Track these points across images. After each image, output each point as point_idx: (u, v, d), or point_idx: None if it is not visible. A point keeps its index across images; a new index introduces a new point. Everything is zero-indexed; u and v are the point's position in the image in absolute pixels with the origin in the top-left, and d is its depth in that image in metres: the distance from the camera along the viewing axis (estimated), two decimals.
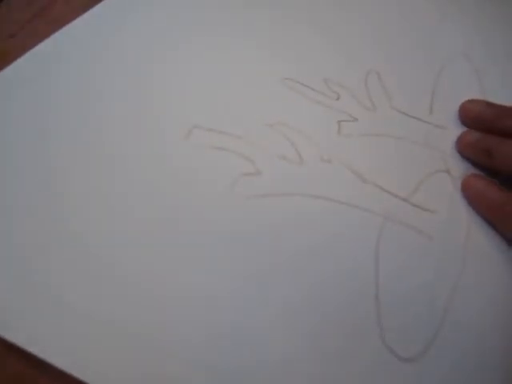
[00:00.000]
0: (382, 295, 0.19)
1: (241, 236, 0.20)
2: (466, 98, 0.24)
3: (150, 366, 0.17)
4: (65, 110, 0.24)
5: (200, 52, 0.26)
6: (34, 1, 0.34)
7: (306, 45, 0.27)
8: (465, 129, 0.24)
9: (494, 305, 0.19)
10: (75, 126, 0.23)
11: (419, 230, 0.21)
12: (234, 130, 0.23)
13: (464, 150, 0.23)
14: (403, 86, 0.25)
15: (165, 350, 0.18)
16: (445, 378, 0.18)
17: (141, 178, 0.22)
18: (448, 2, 0.30)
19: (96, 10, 0.28)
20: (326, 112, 0.24)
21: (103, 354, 0.18)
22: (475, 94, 0.25)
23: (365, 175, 0.22)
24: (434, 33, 0.28)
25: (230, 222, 0.21)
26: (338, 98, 0.25)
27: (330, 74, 0.26)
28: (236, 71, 0.26)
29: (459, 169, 0.23)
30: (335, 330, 0.18)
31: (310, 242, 0.20)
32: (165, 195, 0.21)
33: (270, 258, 0.20)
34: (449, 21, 0.28)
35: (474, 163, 0.23)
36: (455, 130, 0.24)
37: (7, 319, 0.18)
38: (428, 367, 0.18)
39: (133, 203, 0.21)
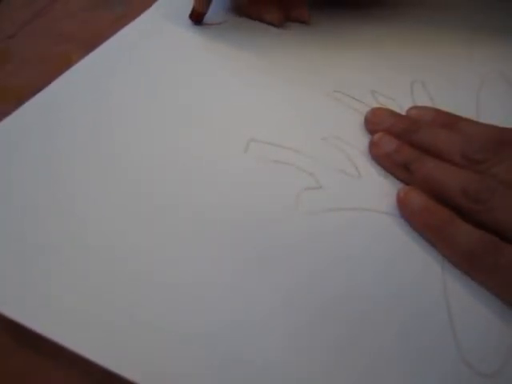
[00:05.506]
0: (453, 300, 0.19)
1: (305, 250, 0.20)
2: (508, 111, 0.25)
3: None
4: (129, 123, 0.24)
5: (251, 65, 0.27)
6: (34, 1, 0.34)
7: (353, 57, 0.27)
8: None
9: None
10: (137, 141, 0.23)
11: None
12: (291, 144, 0.23)
13: (380, 160, 0.22)
14: (448, 95, 0.26)
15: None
16: None
17: (203, 191, 0.21)
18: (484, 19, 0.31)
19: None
20: None
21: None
22: None
23: None
24: (473, 45, 0.28)
25: (294, 236, 0.20)
26: None
27: (376, 87, 0.26)
28: (286, 84, 0.25)
29: None
30: (410, 344, 0.18)
31: (374, 254, 0.20)
32: (228, 208, 0.20)
33: (334, 270, 0.19)
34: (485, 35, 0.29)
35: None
36: None
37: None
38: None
39: (197, 216, 0.20)
